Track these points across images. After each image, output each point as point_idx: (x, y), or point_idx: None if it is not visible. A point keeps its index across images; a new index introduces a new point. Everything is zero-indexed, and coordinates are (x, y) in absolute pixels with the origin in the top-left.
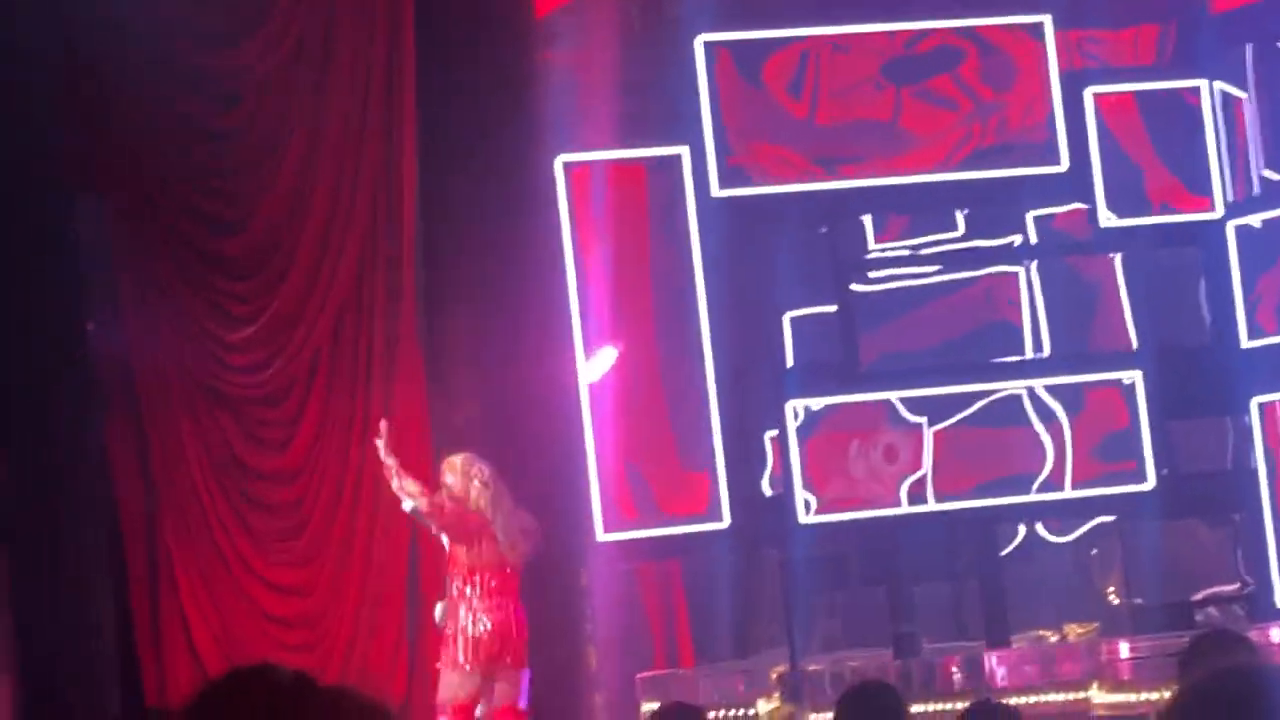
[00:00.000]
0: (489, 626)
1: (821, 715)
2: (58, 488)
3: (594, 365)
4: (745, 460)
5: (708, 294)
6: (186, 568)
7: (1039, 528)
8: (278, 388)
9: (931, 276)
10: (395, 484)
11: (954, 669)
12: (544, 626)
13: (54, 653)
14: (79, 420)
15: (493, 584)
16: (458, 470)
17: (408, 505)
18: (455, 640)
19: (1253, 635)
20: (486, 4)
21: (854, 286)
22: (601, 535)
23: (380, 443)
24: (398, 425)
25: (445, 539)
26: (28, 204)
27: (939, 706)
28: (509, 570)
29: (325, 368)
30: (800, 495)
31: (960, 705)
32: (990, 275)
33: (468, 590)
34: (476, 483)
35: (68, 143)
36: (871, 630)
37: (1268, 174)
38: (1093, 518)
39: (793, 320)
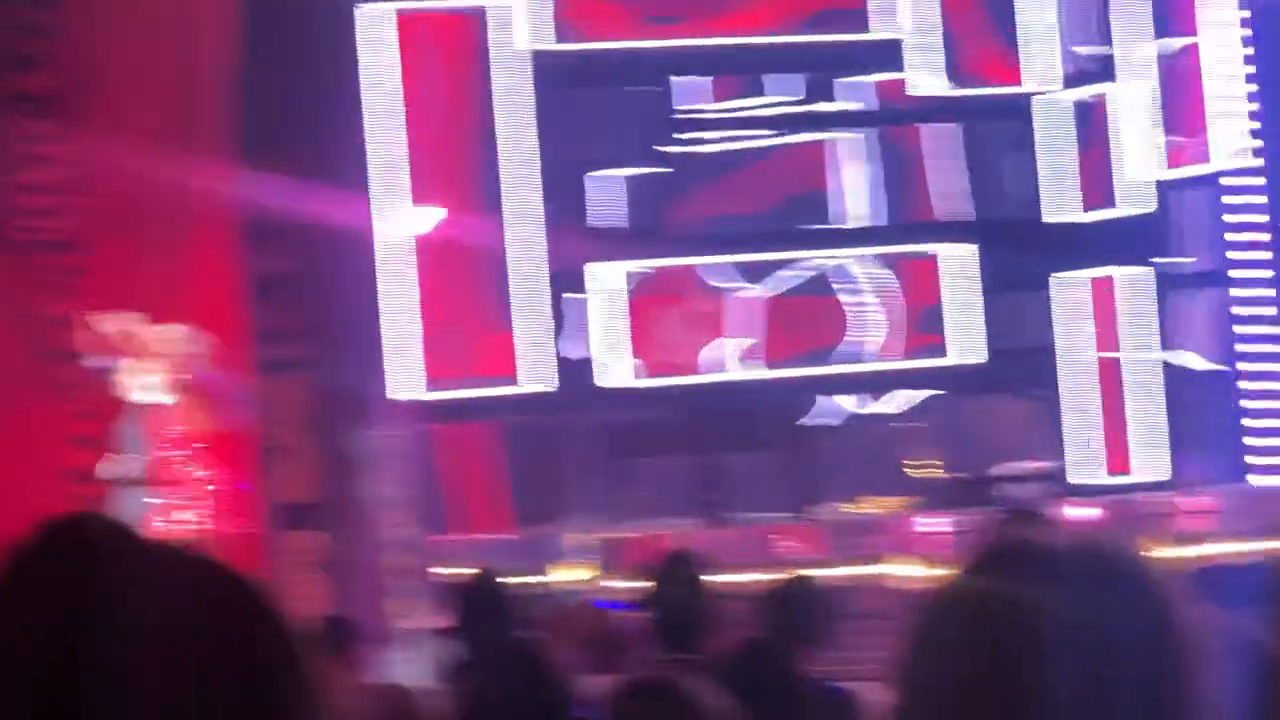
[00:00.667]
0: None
1: (626, 583)
2: None
3: (399, 223)
4: (557, 323)
5: (517, 151)
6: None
7: (848, 399)
8: (81, 231)
9: (748, 141)
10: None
11: (761, 539)
12: (354, 487)
13: None
14: None
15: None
16: (176, 339)
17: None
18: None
19: (1051, 512)
20: None
21: (679, 147)
22: (399, 395)
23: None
24: (207, 277)
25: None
26: None
27: (745, 577)
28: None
29: (133, 210)
30: (608, 360)
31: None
32: (809, 142)
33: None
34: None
35: None
36: (679, 499)
37: (1080, 50)
38: (909, 390)
39: (605, 181)
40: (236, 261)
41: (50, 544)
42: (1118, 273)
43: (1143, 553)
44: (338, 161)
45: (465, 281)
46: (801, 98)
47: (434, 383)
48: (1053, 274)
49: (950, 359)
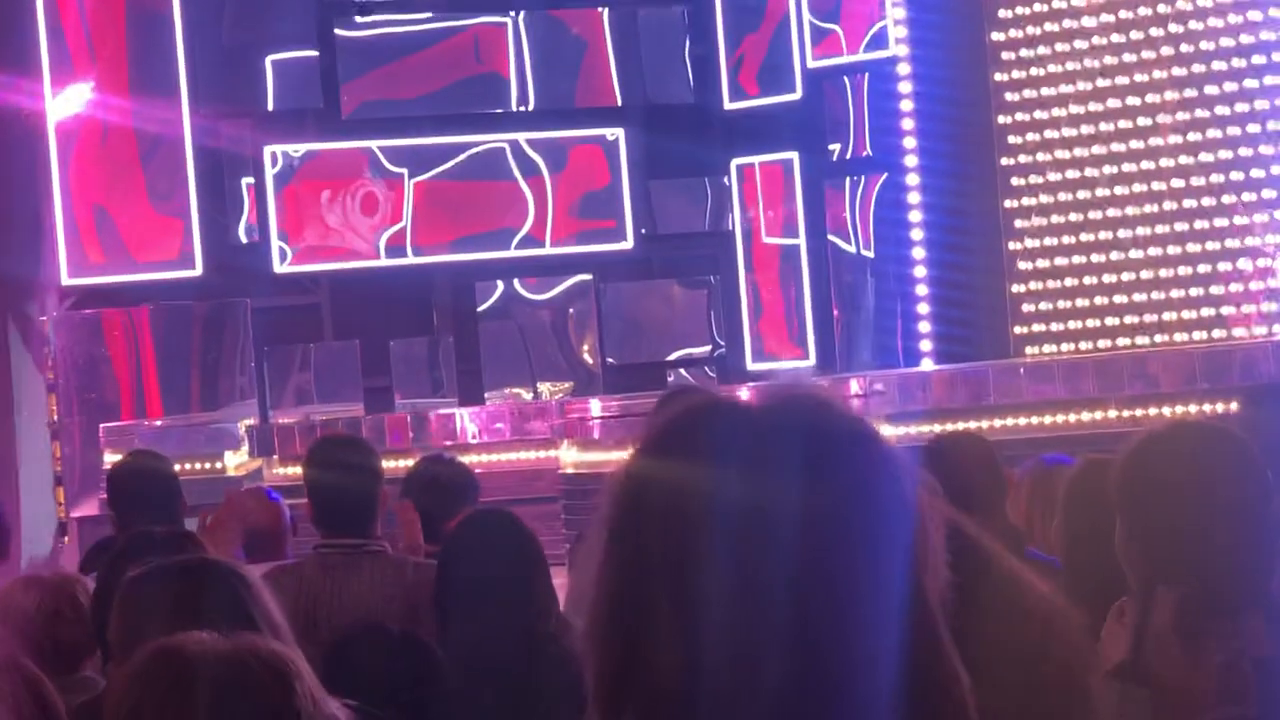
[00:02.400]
0: None
1: (290, 469)
2: None
3: (66, 104)
4: (221, 207)
5: (185, 32)
6: None
7: (517, 284)
8: None
9: (420, 24)
10: None
11: (426, 424)
12: (3, 374)
13: None
14: None
15: None
16: None
17: None
18: None
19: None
20: None
21: (339, 31)
22: (66, 279)
23: None
24: None
25: None
26: None
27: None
28: None
29: None
30: (275, 244)
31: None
32: (479, 25)
33: None
34: None
35: None
36: (344, 385)
37: None
38: (571, 276)
39: (274, 63)
40: None
41: None
42: (774, 158)
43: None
44: None
45: (133, 163)
46: None
47: (99, 267)
48: (717, 159)
49: (610, 244)
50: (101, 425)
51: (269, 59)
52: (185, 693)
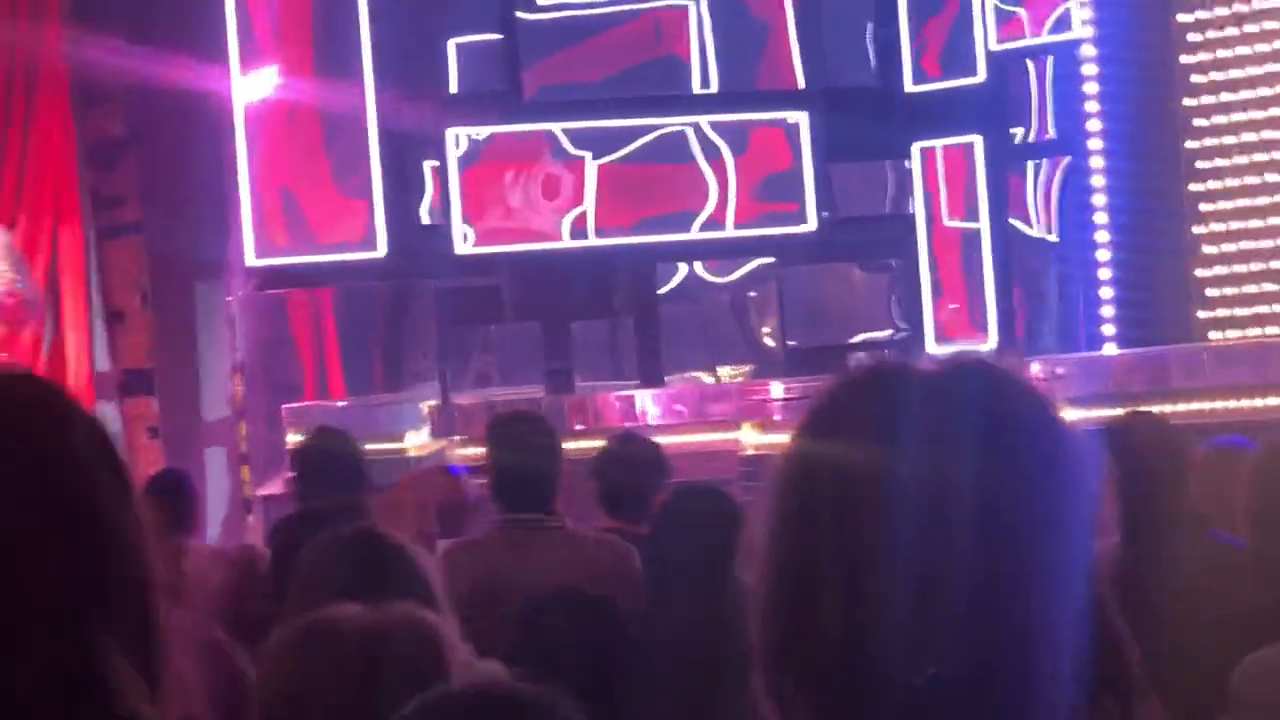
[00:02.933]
0: None
1: (473, 449)
2: None
3: (251, 86)
4: (404, 189)
5: (370, 15)
6: None
7: (698, 267)
8: None
9: (600, 7)
10: None
11: (607, 407)
12: (183, 352)
13: None
14: None
15: None
16: None
17: None
18: None
19: None
20: None
21: (520, 14)
22: (252, 260)
23: None
24: (40, 141)
25: None
26: None
27: (591, 444)
28: None
29: None
30: (458, 226)
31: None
32: (660, 8)
33: None
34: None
35: None
36: (525, 367)
37: None
38: (752, 259)
39: (457, 46)
40: (69, 125)
41: None
42: (956, 141)
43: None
44: (175, 24)
45: (318, 146)
46: None
47: (284, 249)
48: (899, 142)
49: (791, 227)
50: (284, 405)
51: (451, 42)
52: (335, 664)
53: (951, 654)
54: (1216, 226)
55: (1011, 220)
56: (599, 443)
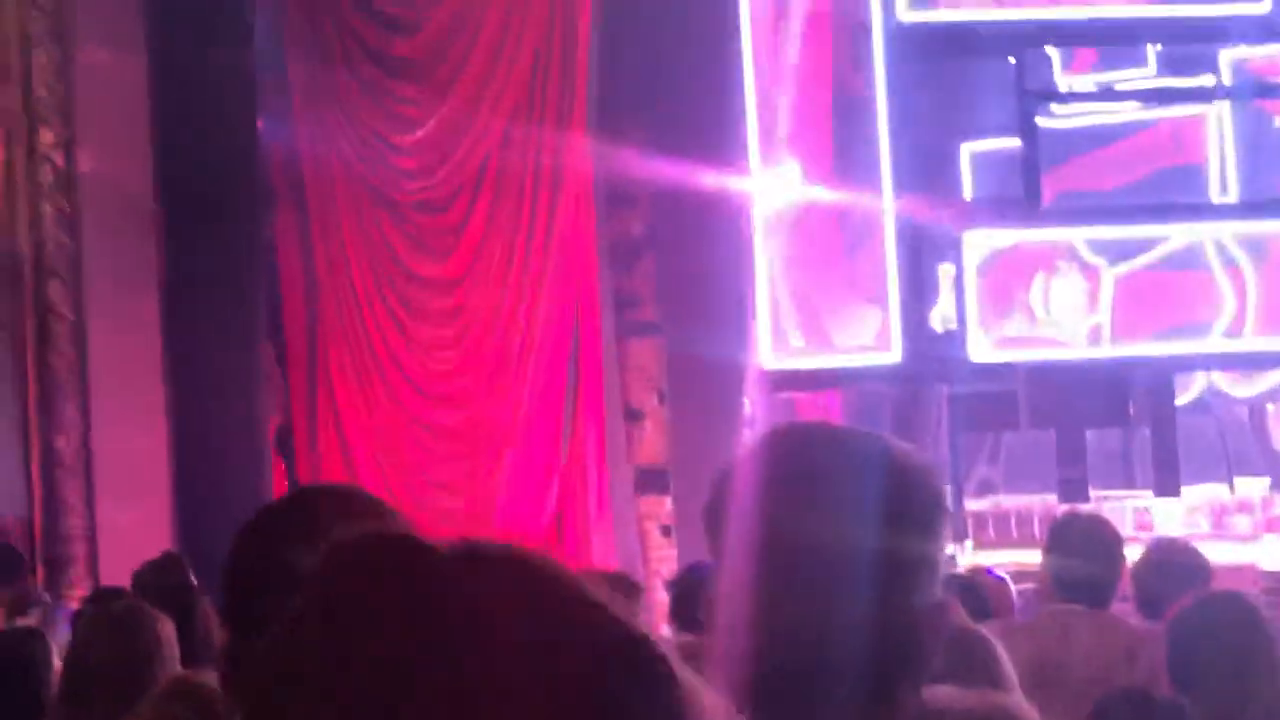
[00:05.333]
0: None
1: (983, 555)
2: (223, 283)
3: (770, 188)
4: (919, 293)
5: (889, 120)
6: (344, 375)
7: (1216, 378)
8: (445, 193)
9: (1119, 114)
10: None
11: (1122, 517)
12: (698, 451)
13: (211, 458)
14: (246, 215)
15: None
16: None
17: None
18: None
19: None
20: None
21: (1039, 120)
22: (768, 362)
23: None
24: (565, 241)
25: None
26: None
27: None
28: None
29: (493, 173)
30: (974, 332)
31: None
32: (1179, 116)
33: None
34: None
35: None
36: (1029, 475)
37: None
38: (1272, 370)
39: (973, 154)
40: (591, 226)
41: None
42: None
43: None
44: (695, 128)
45: (835, 249)
46: (1169, 71)
47: (799, 350)
48: None
49: None
50: None
51: (966, 147)
52: None
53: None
54: None
55: None
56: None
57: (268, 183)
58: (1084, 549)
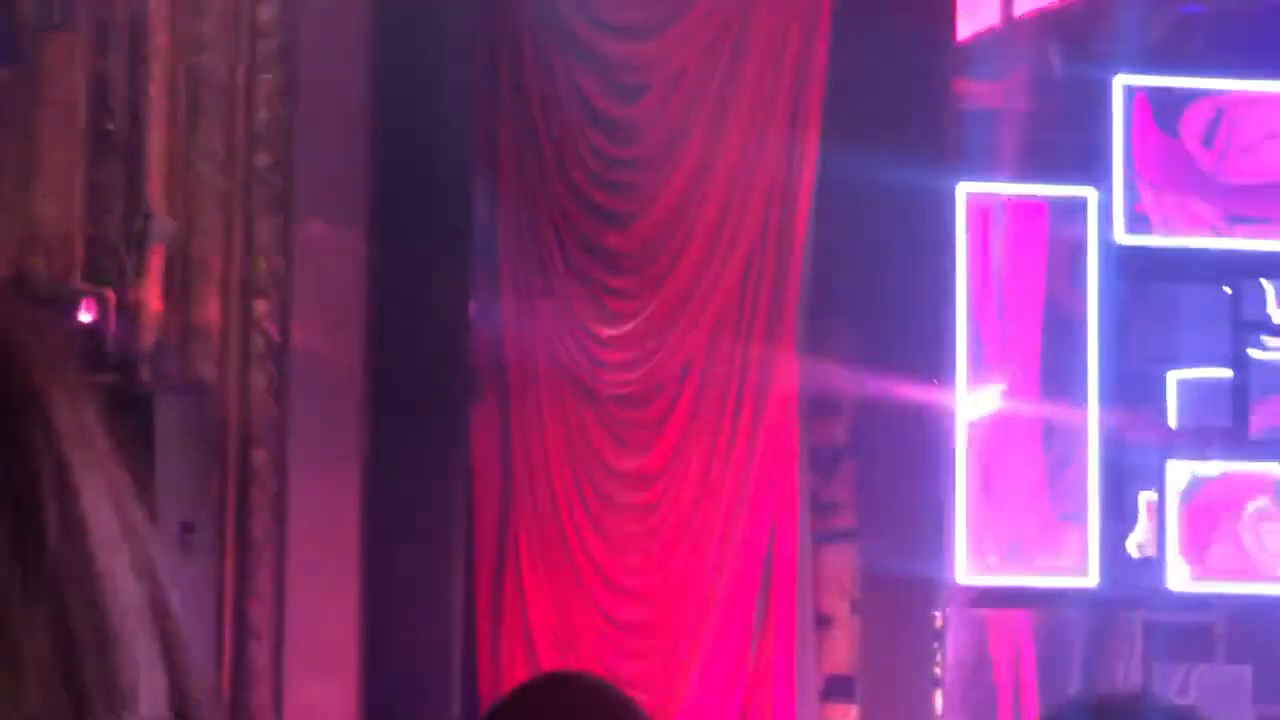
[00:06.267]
0: None
1: None
2: (423, 464)
3: (975, 401)
4: (1118, 518)
5: (1099, 341)
6: (534, 563)
7: None
8: (648, 388)
9: None
10: None
11: None
12: (886, 662)
13: (400, 637)
14: (451, 398)
15: None
16: None
17: None
18: None
19: None
20: (905, 18)
21: (1250, 351)
22: (962, 577)
23: None
24: (764, 450)
25: None
26: (430, 174)
27: None
28: None
29: (698, 372)
30: (1175, 560)
31: None
32: None
33: None
34: None
35: (475, 119)
36: (1226, 712)
37: None
38: None
39: (1180, 381)
40: (793, 436)
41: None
42: None
43: None
44: (901, 339)
45: (1038, 467)
46: None
47: (994, 566)
48: None
49: None
50: None
51: (1172, 375)
52: None
53: None
54: None
55: None
56: None
57: (474, 367)
58: None
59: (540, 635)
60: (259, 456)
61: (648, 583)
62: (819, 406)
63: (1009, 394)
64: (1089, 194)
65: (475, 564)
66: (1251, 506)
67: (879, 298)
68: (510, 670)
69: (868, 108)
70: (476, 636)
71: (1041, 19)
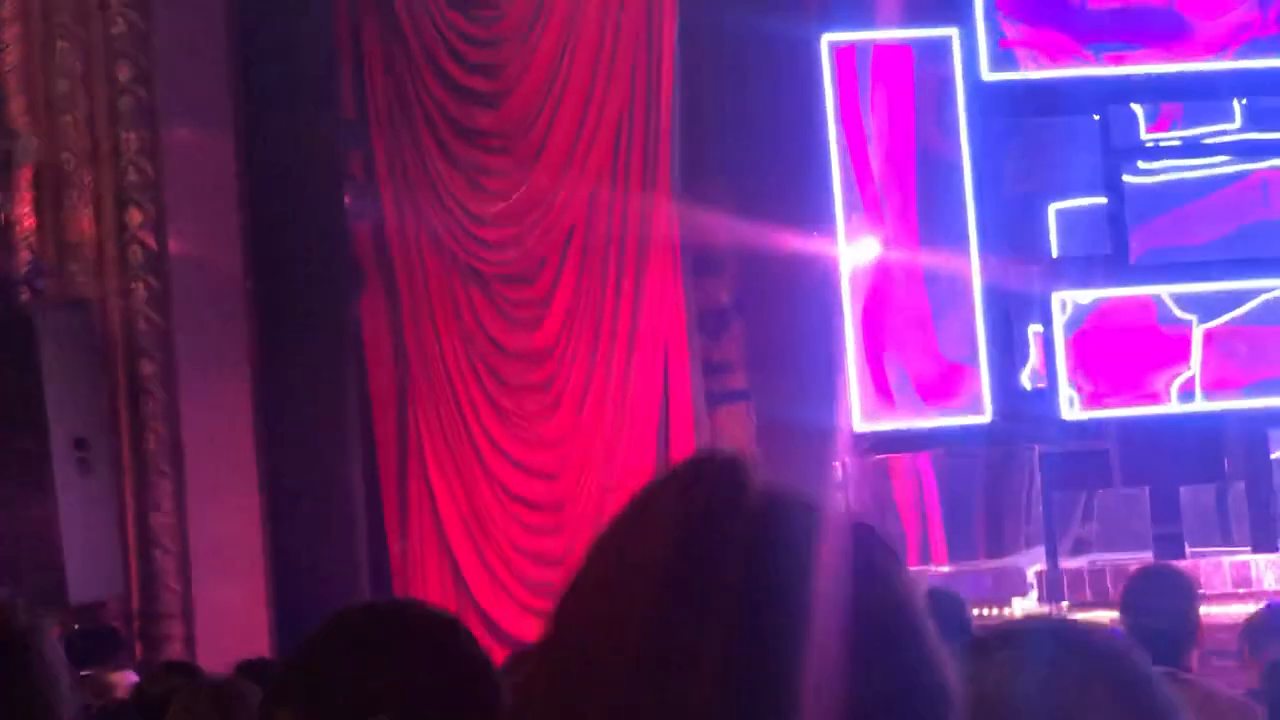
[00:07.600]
0: None
1: (1080, 614)
2: (313, 361)
3: (856, 251)
4: (1008, 354)
5: (975, 182)
6: (435, 446)
7: None
8: (530, 265)
9: (1204, 169)
10: None
11: (1219, 573)
12: None
13: (304, 534)
14: (335, 292)
15: None
16: None
17: None
18: None
19: None
20: None
21: (1125, 177)
22: (860, 425)
23: None
24: (653, 309)
25: None
26: (294, 71)
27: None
28: None
29: (578, 246)
30: (1065, 391)
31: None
32: (1266, 169)
33: None
34: None
35: (336, 11)
36: (1124, 533)
37: None
38: None
39: (1059, 211)
40: (679, 292)
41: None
42: None
43: None
44: (780, 194)
45: (923, 311)
46: (1255, 125)
47: (889, 413)
48: None
49: None
50: None
51: (1052, 207)
52: None
53: None
54: None
55: None
56: (1212, 609)
57: (356, 259)
58: (1157, 605)
59: (449, 519)
60: (147, 368)
61: (549, 459)
62: (702, 266)
63: (890, 241)
64: (952, 33)
65: (377, 454)
66: (1131, 331)
67: (752, 154)
68: (420, 559)
69: None
70: (384, 526)
71: None
